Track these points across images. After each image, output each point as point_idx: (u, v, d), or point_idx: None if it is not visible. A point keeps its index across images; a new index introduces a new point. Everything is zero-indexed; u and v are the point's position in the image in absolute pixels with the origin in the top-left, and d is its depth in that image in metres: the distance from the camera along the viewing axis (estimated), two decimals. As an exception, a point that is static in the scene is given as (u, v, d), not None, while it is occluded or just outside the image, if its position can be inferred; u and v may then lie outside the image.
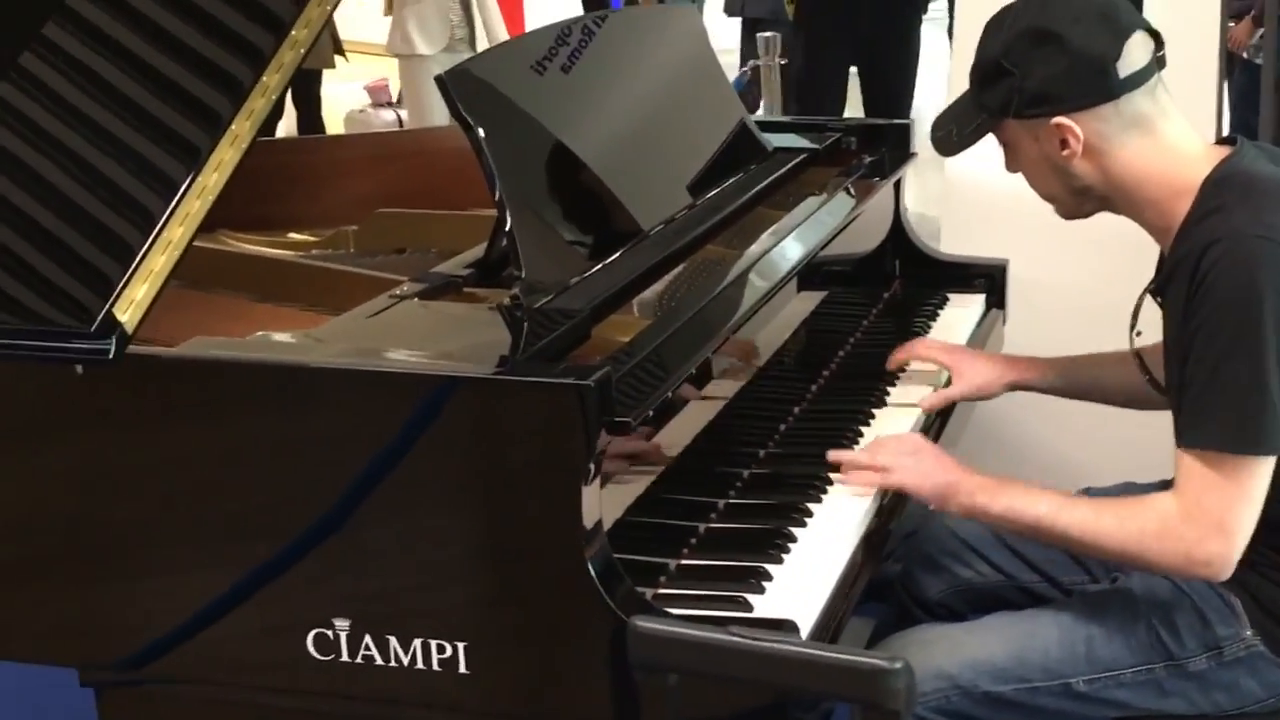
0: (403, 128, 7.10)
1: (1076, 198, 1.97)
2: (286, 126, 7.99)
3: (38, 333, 1.78)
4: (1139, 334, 2.10)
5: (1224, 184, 1.86)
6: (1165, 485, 2.16)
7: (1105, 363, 2.31)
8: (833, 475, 2.07)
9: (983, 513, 1.96)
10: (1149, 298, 2.03)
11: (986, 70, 1.95)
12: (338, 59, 7.88)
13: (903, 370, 2.47)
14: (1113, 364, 2.28)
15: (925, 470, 2.00)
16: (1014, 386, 2.39)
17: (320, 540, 1.72)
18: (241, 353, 1.80)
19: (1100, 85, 1.87)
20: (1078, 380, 2.36)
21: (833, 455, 2.09)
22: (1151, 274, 2.04)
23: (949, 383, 2.40)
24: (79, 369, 1.75)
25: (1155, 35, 1.92)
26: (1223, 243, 1.78)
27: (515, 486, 1.67)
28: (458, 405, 1.67)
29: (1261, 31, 5.60)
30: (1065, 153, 1.90)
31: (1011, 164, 2.03)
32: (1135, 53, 1.88)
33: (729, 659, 1.41)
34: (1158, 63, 1.90)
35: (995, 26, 1.96)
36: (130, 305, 1.75)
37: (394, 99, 7.90)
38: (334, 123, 8.13)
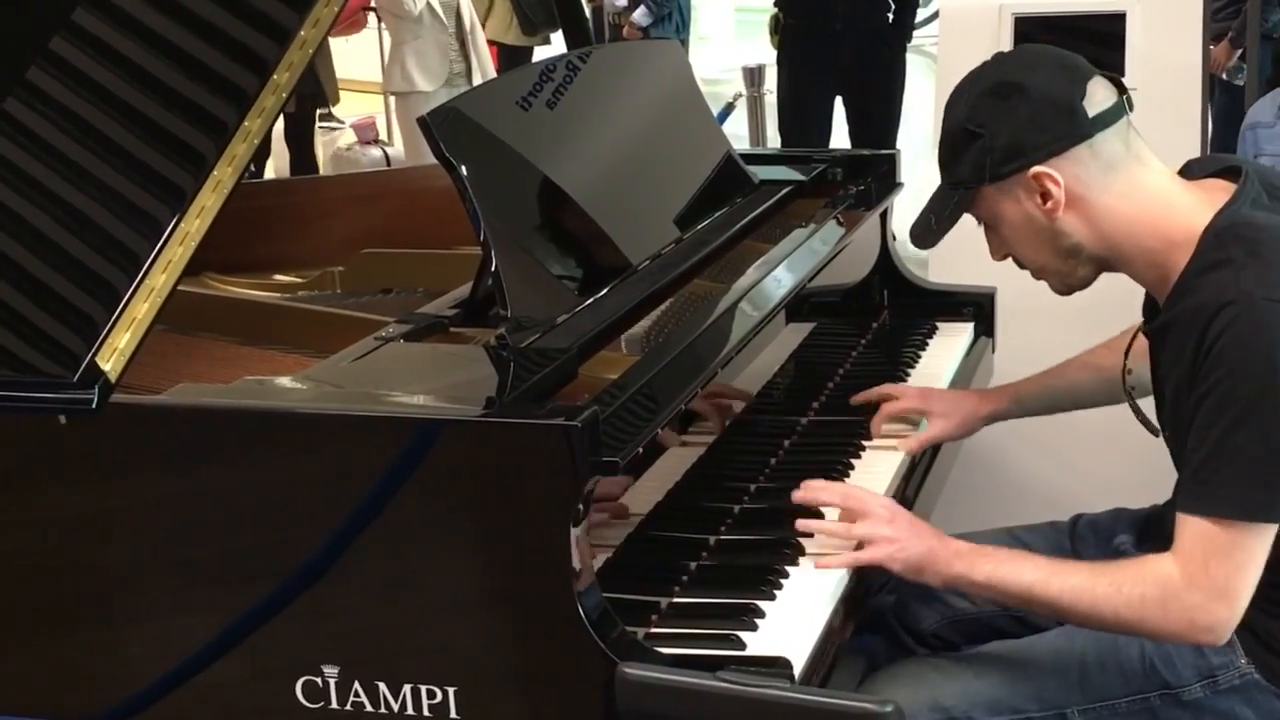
0: (390, 166, 7.11)
1: (1069, 261, 1.92)
2: (277, 166, 8.00)
3: (20, 383, 1.77)
4: (1130, 372, 2.10)
5: (1227, 235, 1.81)
6: (1156, 510, 2.17)
7: (1072, 370, 2.35)
8: (806, 552, 1.97)
9: (965, 582, 1.91)
10: (1140, 338, 2.01)
11: (954, 142, 1.91)
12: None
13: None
14: (1078, 369, 2.34)
15: (901, 541, 1.92)
16: (992, 418, 2.38)
17: (308, 586, 1.72)
18: (227, 399, 1.79)
19: (1070, 126, 1.84)
20: (1053, 394, 2.37)
21: (802, 525, 2.00)
22: (1140, 302, 2.03)
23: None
24: (62, 419, 1.74)
25: (1117, 83, 1.90)
26: (1234, 306, 1.73)
27: (503, 529, 1.66)
28: (444, 448, 1.67)
29: (1241, 52, 5.63)
30: (1048, 205, 1.86)
31: (996, 246, 1.99)
32: (1099, 93, 1.86)
33: (720, 705, 1.40)
34: (1125, 103, 1.88)
35: (954, 100, 1.93)
36: (113, 354, 1.75)
37: (379, 136, 7.92)
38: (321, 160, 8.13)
